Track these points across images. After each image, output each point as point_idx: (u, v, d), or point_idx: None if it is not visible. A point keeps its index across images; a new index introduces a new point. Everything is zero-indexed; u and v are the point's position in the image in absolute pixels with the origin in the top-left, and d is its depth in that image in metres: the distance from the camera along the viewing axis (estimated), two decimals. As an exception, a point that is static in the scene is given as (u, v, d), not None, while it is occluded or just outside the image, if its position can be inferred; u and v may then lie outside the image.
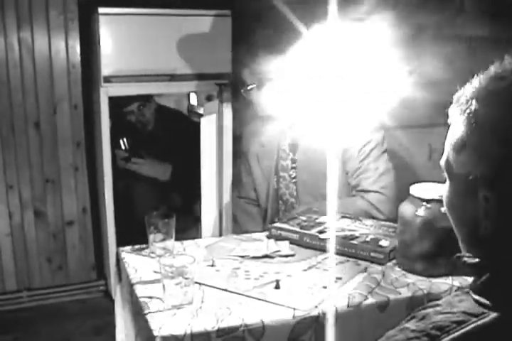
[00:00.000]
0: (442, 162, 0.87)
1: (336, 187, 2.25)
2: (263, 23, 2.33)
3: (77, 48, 3.21)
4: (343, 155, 2.22)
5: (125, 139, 3.54)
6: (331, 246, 1.85)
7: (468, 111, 0.80)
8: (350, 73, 2.11)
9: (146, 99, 3.46)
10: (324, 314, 1.53)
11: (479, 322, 0.76)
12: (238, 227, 2.45)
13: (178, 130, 3.42)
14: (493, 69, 0.82)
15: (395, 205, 1.85)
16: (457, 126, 0.82)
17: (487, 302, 0.78)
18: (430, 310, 0.83)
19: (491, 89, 0.79)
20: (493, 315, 0.76)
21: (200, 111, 3.21)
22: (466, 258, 0.84)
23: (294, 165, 2.32)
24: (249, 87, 2.20)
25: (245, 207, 2.46)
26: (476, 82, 0.82)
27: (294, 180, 2.32)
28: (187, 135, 3.20)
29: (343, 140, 2.20)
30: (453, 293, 0.91)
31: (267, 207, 2.38)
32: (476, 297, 0.80)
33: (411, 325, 0.82)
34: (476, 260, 0.82)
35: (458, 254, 0.88)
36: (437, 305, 0.84)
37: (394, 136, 2.34)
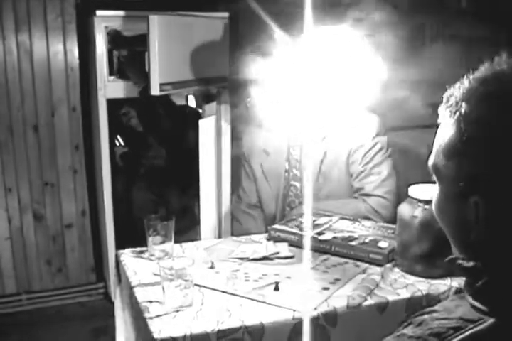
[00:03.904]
0: (430, 163, 0.86)
1: (340, 189, 2.26)
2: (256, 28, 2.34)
3: (75, 51, 3.21)
4: (348, 158, 2.23)
5: (119, 136, 3.59)
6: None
7: (457, 113, 0.79)
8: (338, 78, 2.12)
9: (130, 105, 3.48)
10: (324, 315, 1.53)
11: (476, 329, 0.76)
12: (239, 227, 2.45)
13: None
14: (482, 70, 0.80)
15: (396, 208, 1.85)
16: (447, 128, 0.81)
17: (484, 308, 0.78)
18: (427, 316, 0.83)
19: (481, 92, 0.78)
20: (490, 321, 0.76)
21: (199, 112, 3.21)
22: (460, 261, 0.84)
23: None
24: (248, 100, 2.21)
25: (246, 210, 2.46)
26: (465, 84, 0.80)
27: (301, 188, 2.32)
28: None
29: (347, 141, 2.22)
30: (449, 297, 0.90)
31: (276, 213, 2.38)
32: (473, 302, 0.80)
33: (408, 331, 0.81)
34: (471, 263, 0.81)
35: (451, 256, 0.87)
36: (434, 311, 0.83)
37: (392, 137, 2.34)
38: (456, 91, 0.81)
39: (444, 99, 0.83)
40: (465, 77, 0.82)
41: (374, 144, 2.22)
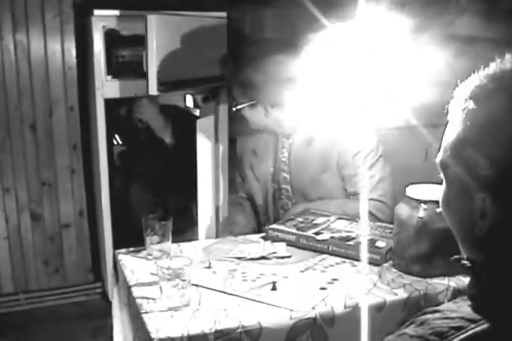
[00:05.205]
0: (438, 159, 0.85)
1: (332, 192, 2.25)
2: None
3: (72, 50, 3.21)
4: (338, 161, 2.20)
5: (117, 136, 3.58)
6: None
7: (465, 110, 0.78)
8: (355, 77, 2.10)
9: (131, 104, 3.48)
10: (321, 315, 1.53)
11: (477, 329, 0.75)
12: (225, 220, 2.45)
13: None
14: (492, 67, 0.79)
15: (393, 210, 1.84)
16: (455, 124, 0.81)
17: (479, 316, 0.77)
18: (429, 315, 0.82)
19: (489, 90, 0.77)
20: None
21: (196, 113, 3.21)
22: (465, 261, 0.83)
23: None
24: (238, 106, 2.20)
25: (237, 200, 2.47)
26: (475, 80, 0.80)
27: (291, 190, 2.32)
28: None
29: (335, 144, 2.20)
30: (453, 299, 0.89)
31: (269, 215, 2.38)
32: (475, 302, 0.80)
33: (410, 330, 0.81)
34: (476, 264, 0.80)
35: (456, 256, 0.87)
36: (436, 311, 0.83)
37: (389, 137, 2.33)
38: (466, 87, 0.80)
39: (455, 95, 0.82)
40: (475, 73, 0.81)
41: (363, 147, 2.18)
